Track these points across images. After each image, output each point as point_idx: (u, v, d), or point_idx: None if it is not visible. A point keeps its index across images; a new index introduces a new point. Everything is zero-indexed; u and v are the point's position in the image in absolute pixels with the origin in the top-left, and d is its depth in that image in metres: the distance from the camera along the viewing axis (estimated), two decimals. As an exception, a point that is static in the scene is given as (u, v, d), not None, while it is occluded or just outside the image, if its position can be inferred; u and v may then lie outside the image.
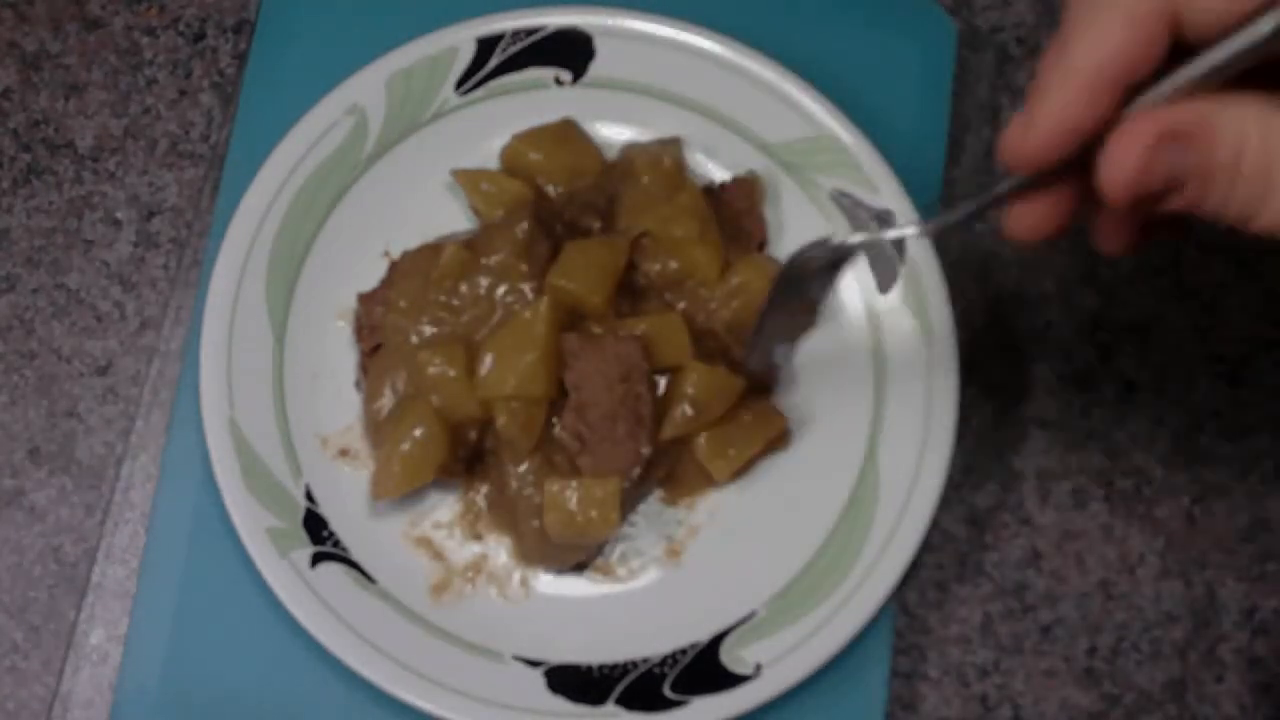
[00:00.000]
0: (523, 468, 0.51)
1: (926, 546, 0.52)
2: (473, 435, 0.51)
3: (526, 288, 0.52)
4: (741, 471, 0.53)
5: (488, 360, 0.51)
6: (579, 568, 0.52)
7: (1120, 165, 0.34)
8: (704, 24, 0.56)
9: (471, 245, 0.53)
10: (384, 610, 0.51)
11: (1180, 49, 0.34)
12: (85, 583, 0.53)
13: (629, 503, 0.52)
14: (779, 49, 0.56)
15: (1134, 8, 0.33)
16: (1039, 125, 0.35)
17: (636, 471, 0.50)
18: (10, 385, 0.55)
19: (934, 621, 0.53)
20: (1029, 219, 0.38)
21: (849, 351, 0.54)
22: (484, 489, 0.53)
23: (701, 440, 0.52)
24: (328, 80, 0.55)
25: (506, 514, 0.52)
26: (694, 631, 0.51)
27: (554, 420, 0.51)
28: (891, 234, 0.44)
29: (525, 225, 0.52)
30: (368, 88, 0.55)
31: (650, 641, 0.51)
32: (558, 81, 0.57)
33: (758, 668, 0.50)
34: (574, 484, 0.50)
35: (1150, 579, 0.54)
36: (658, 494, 0.53)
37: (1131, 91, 0.34)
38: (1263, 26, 0.32)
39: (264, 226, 0.54)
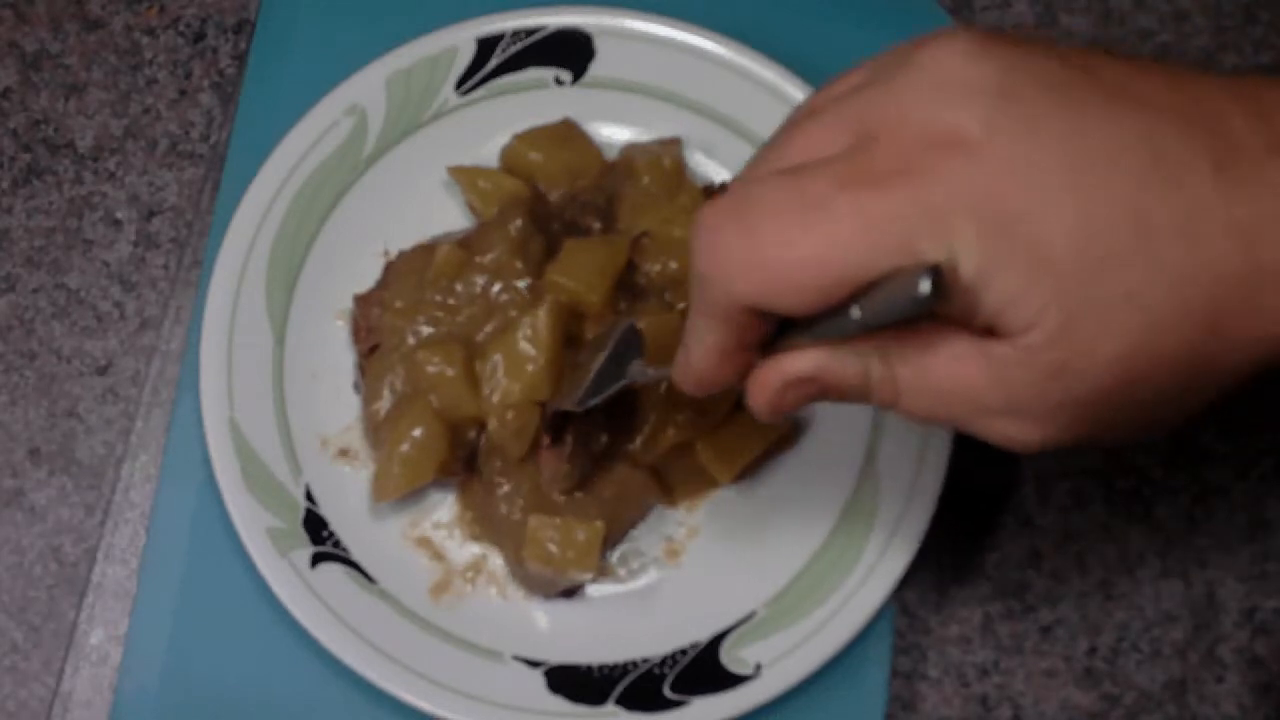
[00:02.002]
0: (508, 489, 0.51)
1: (926, 546, 0.52)
2: (472, 435, 0.51)
3: (522, 285, 0.52)
4: (744, 473, 0.53)
5: (490, 368, 0.51)
6: (567, 594, 0.52)
7: (757, 405, 0.39)
8: (704, 24, 0.56)
9: (466, 244, 0.53)
10: (384, 610, 0.51)
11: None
12: (85, 583, 0.53)
13: (625, 525, 0.52)
14: (779, 49, 0.56)
15: (720, 312, 0.37)
16: (692, 381, 0.41)
17: (556, 490, 0.50)
18: (10, 385, 0.55)
19: (934, 621, 0.53)
20: (694, 378, 0.41)
21: (849, 351, 0.54)
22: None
23: (704, 443, 0.52)
24: (328, 80, 0.55)
25: (494, 532, 0.52)
26: (694, 632, 0.51)
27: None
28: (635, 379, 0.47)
29: (519, 223, 0.52)
30: (368, 88, 0.55)
31: (650, 642, 0.51)
32: (558, 81, 0.57)
33: (758, 668, 0.50)
34: (556, 523, 0.50)
35: (1150, 579, 0.54)
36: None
37: (769, 338, 0.38)
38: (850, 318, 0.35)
39: (264, 226, 0.54)
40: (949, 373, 0.36)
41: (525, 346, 0.50)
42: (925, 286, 0.33)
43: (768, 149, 0.38)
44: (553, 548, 0.50)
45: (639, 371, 0.47)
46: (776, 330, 0.38)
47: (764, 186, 0.36)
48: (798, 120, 0.38)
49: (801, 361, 0.38)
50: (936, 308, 0.34)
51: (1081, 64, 0.35)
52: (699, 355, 0.39)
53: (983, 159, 0.33)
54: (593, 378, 0.48)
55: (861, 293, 0.35)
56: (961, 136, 0.34)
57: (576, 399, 0.48)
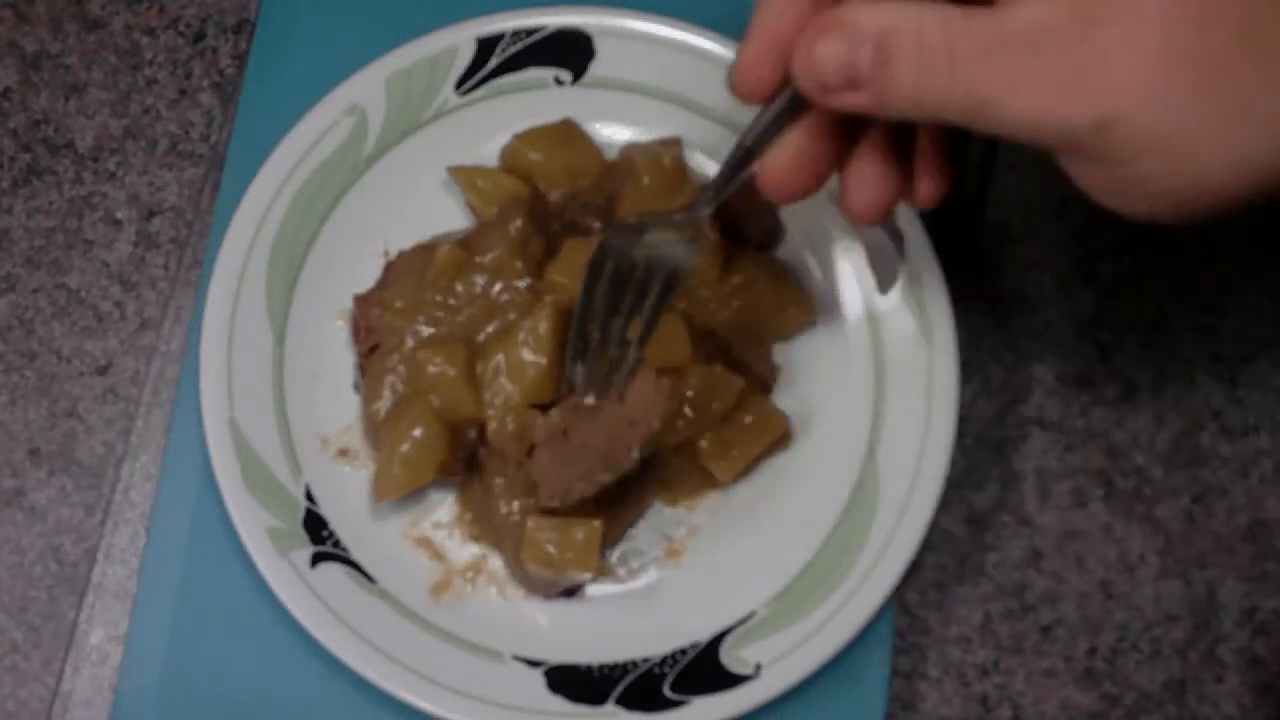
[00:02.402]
0: (506, 491, 0.51)
1: (926, 546, 0.52)
2: (472, 434, 0.51)
3: (522, 285, 0.52)
4: (744, 473, 0.53)
5: (491, 371, 0.51)
6: (568, 593, 0.52)
7: (800, 55, 0.38)
8: (704, 24, 0.56)
9: (466, 243, 0.53)
10: (384, 610, 0.51)
11: None
12: (85, 583, 0.53)
13: (624, 525, 0.52)
14: (779, 49, 0.56)
15: None
16: (752, 41, 0.40)
17: (555, 502, 0.50)
18: (10, 385, 0.55)
19: (934, 621, 0.53)
20: (777, 171, 0.42)
21: (849, 351, 0.54)
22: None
23: (704, 443, 0.52)
24: (328, 80, 0.55)
25: (493, 534, 0.52)
26: (694, 631, 0.51)
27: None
28: (679, 217, 0.46)
29: (519, 223, 0.52)
30: (368, 88, 0.55)
31: (650, 641, 0.51)
32: (557, 81, 0.57)
33: (758, 668, 0.50)
34: (555, 524, 0.50)
35: (1150, 579, 0.54)
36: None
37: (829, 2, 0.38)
38: None
39: (264, 226, 0.54)
40: (1021, 23, 0.36)
41: (526, 350, 0.50)
42: None
43: None
44: (551, 549, 0.49)
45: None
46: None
47: None
48: None
49: (856, 9, 0.37)
50: None
51: None
52: (766, 12, 0.40)
53: None
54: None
55: None
56: None
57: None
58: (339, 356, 0.54)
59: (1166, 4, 0.35)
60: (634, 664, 0.51)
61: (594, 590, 0.52)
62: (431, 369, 0.51)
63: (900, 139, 0.43)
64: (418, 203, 0.56)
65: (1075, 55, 0.36)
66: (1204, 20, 0.35)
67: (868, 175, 0.43)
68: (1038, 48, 0.36)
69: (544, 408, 0.50)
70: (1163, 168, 0.36)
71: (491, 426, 0.50)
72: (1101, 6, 0.36)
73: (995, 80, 0.36)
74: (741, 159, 0.44)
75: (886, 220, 0.51)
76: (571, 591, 0.52)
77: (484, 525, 0.52)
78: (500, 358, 0.51)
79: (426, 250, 0.53)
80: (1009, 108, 0.36)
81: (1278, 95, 0.36)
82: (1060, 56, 0.36)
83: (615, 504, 0.51)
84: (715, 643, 0.51)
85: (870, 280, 0.54)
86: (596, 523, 0.50)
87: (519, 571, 0.51)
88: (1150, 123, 0.36)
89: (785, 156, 0.42)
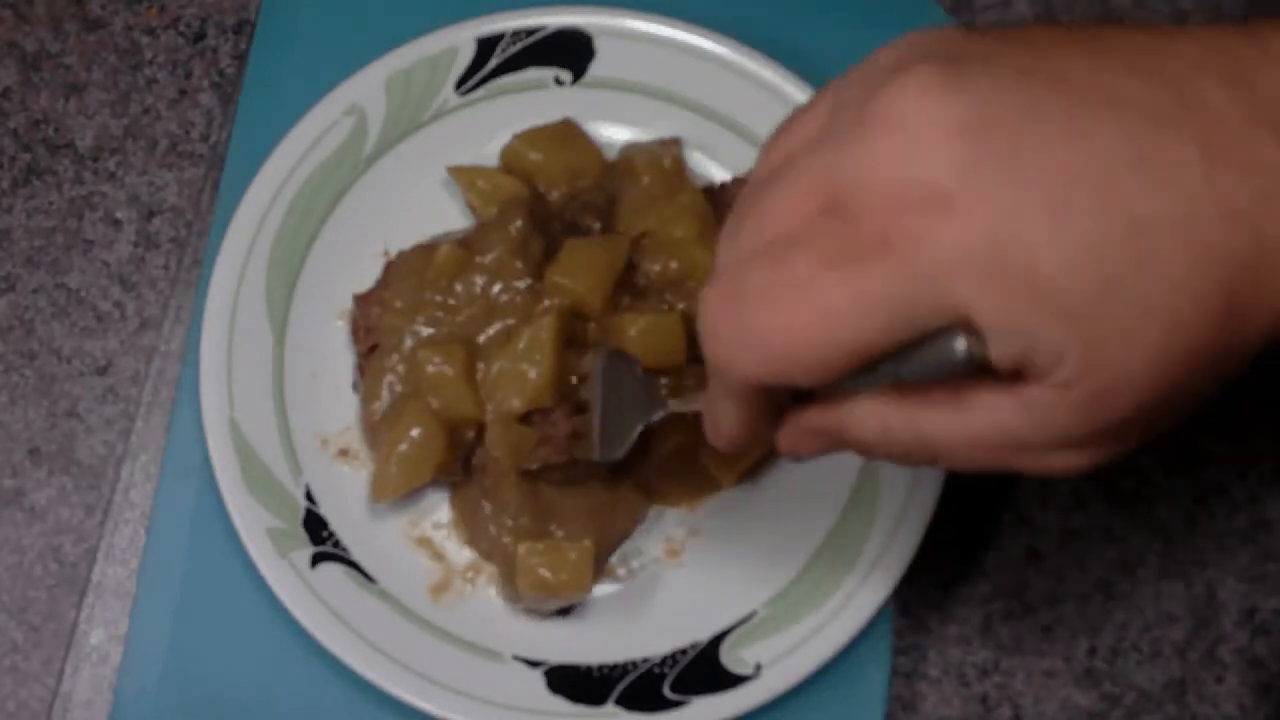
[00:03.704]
0: (496, 513, 0.51)
1: (926, 546, 0.52)
2: (470, 435, 0.51)
3: (522, 286, 0.52)
4: (745, 474, 0.53)
5: (491, 380, 0.51)
6: (563, 612, 0.52)
7: (782, 449, 0.40)
8: (704, 24, 0.56)
9: (466, 243, 0.53)
10: (384, 610, 0.51)
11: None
12: (85, 583, 0.53)
13: (615, 540, 0.52)
14: (779, 49, 0.56)
15: (736, 392, 0.38)
16: (724, 444, 0.41)
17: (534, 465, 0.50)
18: (10, 385, 0.55)
19: (934, 621, 0.53)
20: (726, 442, 0.42)
21: (849, 351, 0.54)
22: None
23: (707, 445, 0.52)
24: (328, 80, 0.55)
25: (485, 550, 0.52)
26: (694, 631, 0.51)
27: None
28: (659, 415, 0.48)
29: (519, 223, 0.52)
30: (368, 88, 0.55)
31: (650, 641, 0.51)
32: (558, 81, 0.57)
33: (758, 668, 0.50)
34: (544, 548, 0.50)
35: (1150, 579, 0.54)
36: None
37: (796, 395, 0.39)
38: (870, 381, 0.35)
39: (264, 226, 0.54)
40: (989, 425, 0.35)
41: (526, 363, 0.50)
42: (960, 347, 0.32)
43: (739, 220, 0.37)
44: (545, 573, 0.49)
45: (661, 406, 0.48)
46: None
47: (749, 269, 0.35)
48: (762, 185, 0.37)
49: (821, 418, 0.38)
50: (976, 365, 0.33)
51: (1048, 70, 0.34)
52: (727, 427, 0.40)
53: (964, 211, 0.32)
54: (600, 427, 0.48)
55: (894, 355, 0.34)
56: (937, 192, 0.32)
57: (600, 452, 0.49)
58: (339, 356, 0.54)
59: None
60: (634, 664, 0.51)
61: (594, 590, 0.52)
62: (430, 369, 0.51)
63: None
64: (418, 203, 0.56)
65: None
66: None
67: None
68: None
69: (544, 411, 0.50)
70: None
71: (489, 436, 0.50)
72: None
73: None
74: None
75: None
76: (567, 610, 0.51)
77: (476, 537, 0.52)
78: (500, 366, 0.51)
79: (426, 250, 0.53)
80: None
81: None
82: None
83: (604, 517, 0.51)
84: (715, 643, 0.51)
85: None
86: (588, 542, 0.50)
87: (513, 592, 0.51)
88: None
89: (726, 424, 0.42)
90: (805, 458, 0.40)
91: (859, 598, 0.51)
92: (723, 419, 0.40)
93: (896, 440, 0.37)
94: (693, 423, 0.51)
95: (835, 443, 0.39)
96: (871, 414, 0.37)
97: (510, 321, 0.52)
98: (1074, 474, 0.36)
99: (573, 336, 0.51)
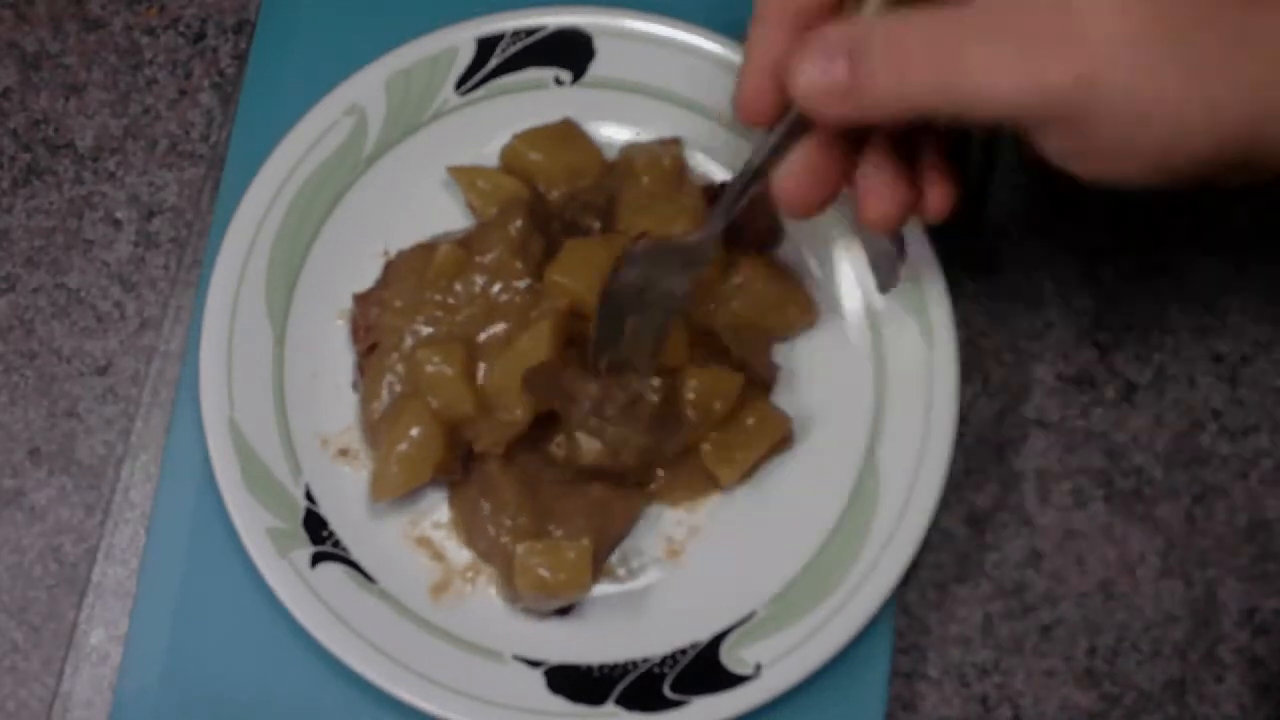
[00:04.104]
0: (494, 514, 0.51)
1: (926, 546, 0.52)
2: (470, 435, 0.51)
3: (522, 285, 0.52)
4: (746, 475, 0.53)
5: (492, 384, 0.51)
6: (562, 612, 0.52)
7: (792, 72, 0.40)
8: (704, 24, 0.56)
9: (466, 243, 0.53)
10: (384, 610, 0.51)
11: None
12: (85, 583, 0.53)
13: (613, 539, 0.52)
14: (779, 49, 0.56)
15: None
16: (749, 71, 0.42)
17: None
18: (10, 385, 0.55)
19: (934, 621, 0.53)
20: (790, 188, 0.44)
21: (849, 351, 0.54)
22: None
23: (707, 445, 0.52)
24: (328, 80, 0.55)
25: (483, 550, 0.52)
26: (694, 631, 0.51)
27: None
28: (694, 237, 0.48)
29: (519, 223, 0.52)
30: (367, 88, 0.55)
31: (650, 641, 0.51)
32: (557, 81, 0.57)
33: (758, 668, 0.50)
34: (542, 547, 0.50)
35: (1150, 579, 0.54)
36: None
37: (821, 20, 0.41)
38: None
39: (264, 226, 0.54)
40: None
41: (526, 363, 0.50)
42: None
43: None
44: (544, 573, 0.49)
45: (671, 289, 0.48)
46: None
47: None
48: None
49: (841, 26, 0.40)
50: None
51: None
52: (758, 40, 0.42)
53: None
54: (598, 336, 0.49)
55: None
56: None
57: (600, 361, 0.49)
58: (339, 356, 0.54)
59: None
60: (634, 664, 0.51)
61: (594, 590, 0.52)
62: (430, 368, 0.51)
63: (905, 149, 0.44)
64: (418, 203, 0.56)
65: (1052, 21, 0.37)
66: None
67: (877, 186, 0.44)
68: (1013, 21, 0.37)
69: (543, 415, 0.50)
70: (1138, 126, 0.37)
71: (486, 440, 0.50)
72: None
73: (973, 60, 0.38)
74: (751, 177, 0.45)
75: None
76: (567, 610, 0.51)
77: (474, 537, 0.52)
78: (500, 369, 0.51)
79: (426, 250, 0.53)
80: (988, 83, 0.37)
81: (1253, 54, 0.36)
82: (1037, 24, 0.37)
83: (602, 516, 0.51)
84: (715, 643, 0.51)
85: (870, 280, 0.54)
86: (586, 541, 0.50)
87: (512, 592, 0.51)
88: (1127, 79, 0.36)
89: (796, 173, 0.44)
90: (803, 92, 0.40)
91: (859, 598, 0.50)
92: (749, 51, 0.42)
93: (880, 47, 0.39)
94: (694, 423, 0.51)
95: (839, 70, 0.39)
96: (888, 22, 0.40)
97: (510, 324, 0.52)
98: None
99: (573, 336, 0.51)
